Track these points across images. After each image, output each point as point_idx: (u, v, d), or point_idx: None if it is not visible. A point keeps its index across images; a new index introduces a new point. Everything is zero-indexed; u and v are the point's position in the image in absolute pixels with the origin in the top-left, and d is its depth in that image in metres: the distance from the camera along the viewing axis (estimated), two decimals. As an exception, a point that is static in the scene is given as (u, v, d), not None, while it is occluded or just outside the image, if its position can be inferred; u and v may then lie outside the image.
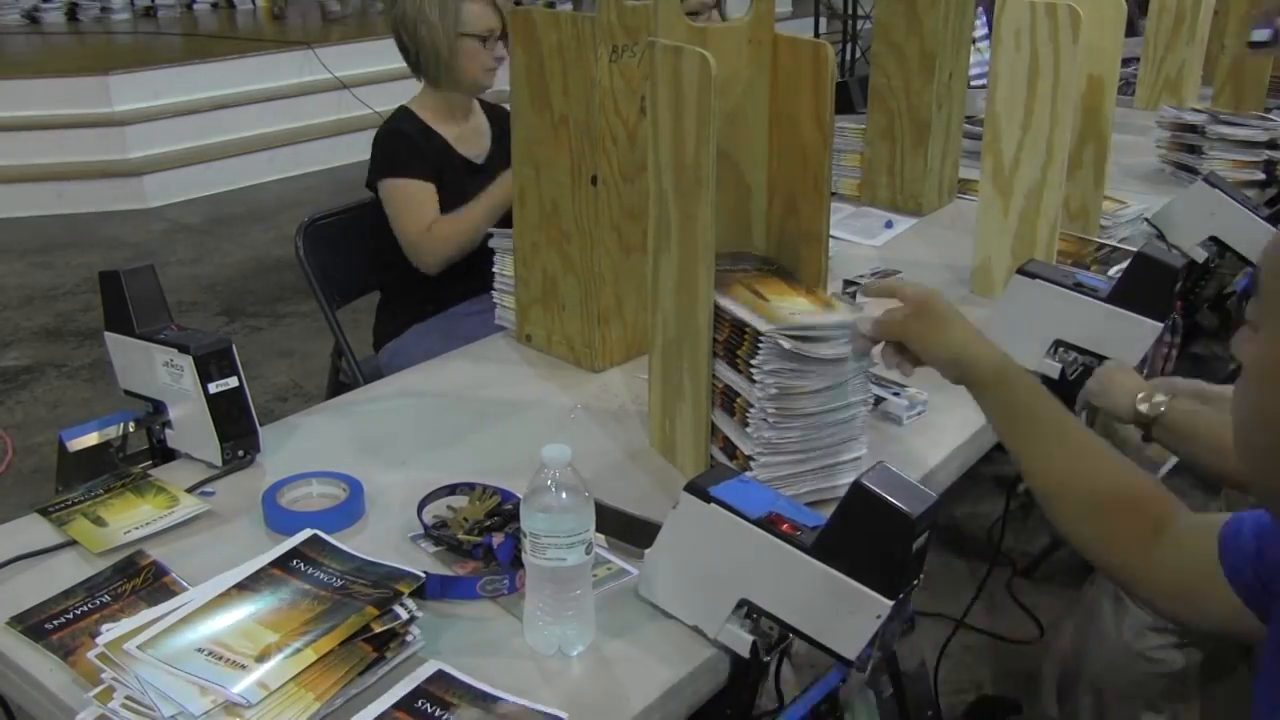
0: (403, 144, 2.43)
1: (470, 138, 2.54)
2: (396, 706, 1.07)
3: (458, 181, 2.43)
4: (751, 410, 1.35)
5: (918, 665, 1.27)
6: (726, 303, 1.38)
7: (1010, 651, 2.40)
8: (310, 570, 1.21)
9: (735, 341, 1.36)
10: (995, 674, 2.37)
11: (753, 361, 1.32)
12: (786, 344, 1.30)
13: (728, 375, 1.40)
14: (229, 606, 1.14)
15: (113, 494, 1.42)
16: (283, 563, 1.22)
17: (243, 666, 1.05)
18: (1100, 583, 1.82)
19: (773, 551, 1.08)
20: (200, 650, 1.07)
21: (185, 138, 6.12)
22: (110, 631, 1.09)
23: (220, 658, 1.06)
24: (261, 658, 1.06)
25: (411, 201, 2.40)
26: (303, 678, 1.06)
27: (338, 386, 2.47)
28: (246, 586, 1.17)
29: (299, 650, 1.07)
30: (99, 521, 1.36)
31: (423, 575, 1.19)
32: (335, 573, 1.20)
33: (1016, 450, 1.24)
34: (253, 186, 6.13)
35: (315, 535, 1.27)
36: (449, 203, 2.41)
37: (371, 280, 2.57)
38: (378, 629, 1.11)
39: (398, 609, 1.14)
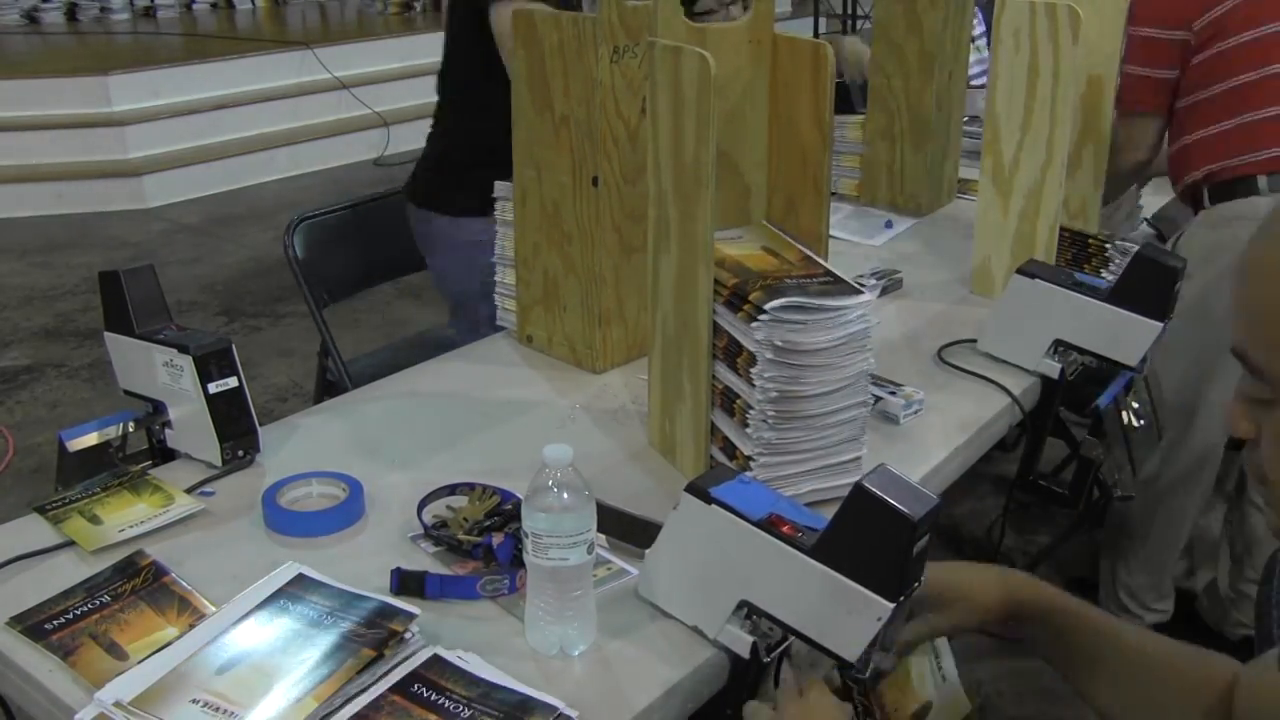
0: None
1: None
2: (393, 690, 1.08)
3: None
4: (751, 412, 1.35)
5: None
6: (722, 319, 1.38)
7: (1011, 651, 2.40)
8: (299, 609, 1.18)
9: (735, 349, 1.36)
10: (995, 674, 2.37)
11: (753, 370, 1.32)
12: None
13: (728, 378, 1.40)
14: (220, 652, 1.11)
15: (110, 492, 1.42)
16: (270, 603, 1.19)
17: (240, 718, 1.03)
18: None
19: (773, 553, 1.08)
20: (195, 701, 1.05)
21: (185, 138, 6.12)
22: (108, 691, 1.06)
23: (217, 709, 1.04)
24: (260, 707, 1.04)
25: None
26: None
27: (326, 386, 2.47)
28: (235, 630, 1.14)
29: (300, 700, 1.05)
30: (94, 520, 1.37)
31: (416, 612, 1.16)
32: (325, 610, 1.17)
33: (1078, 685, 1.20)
34: (252, 186, 6.13)
35: (300, 574, 1.23)
36: None
37: (368, 279, 2.55)
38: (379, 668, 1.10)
39: (397, 652, 1.12)
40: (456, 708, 1.06)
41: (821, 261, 1.44)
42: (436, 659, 1.12)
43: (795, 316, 1.31)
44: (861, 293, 1.35)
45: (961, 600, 1.23)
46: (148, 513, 1.38)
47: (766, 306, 1.30)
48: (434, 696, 1.08)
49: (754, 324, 1.31)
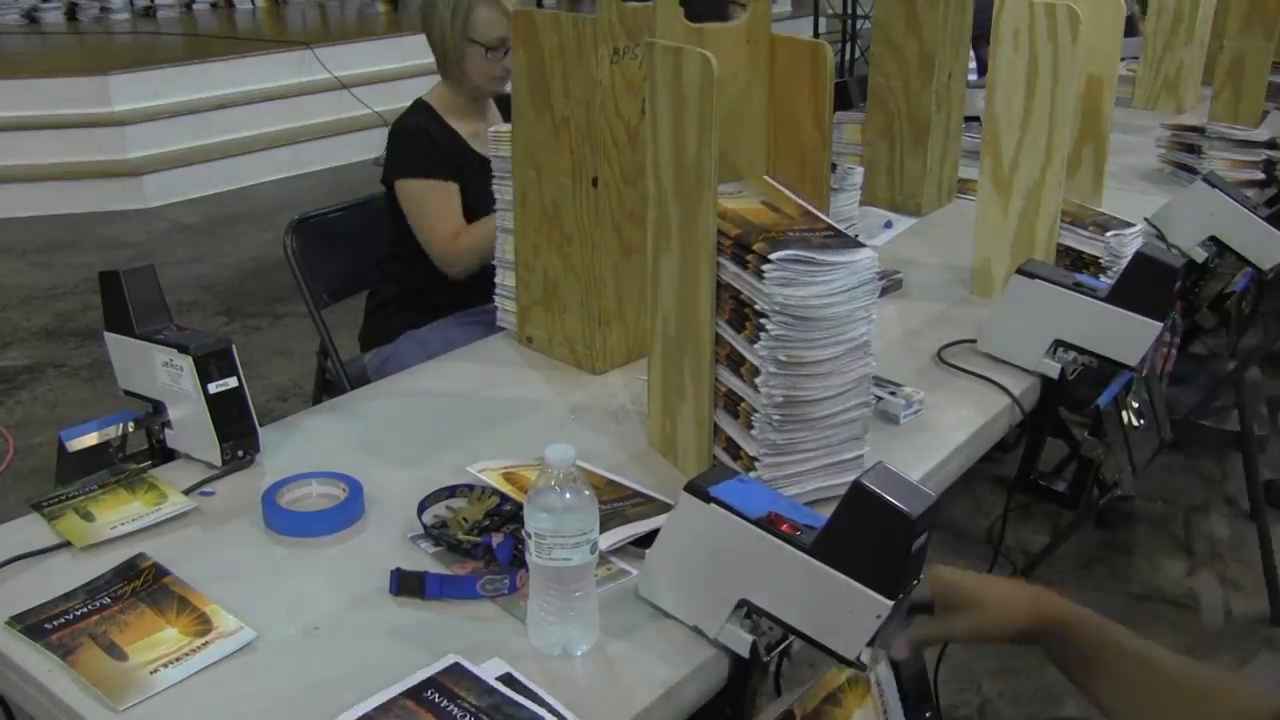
0: (422, 141, 2.38)
1: (486, 135, 2.49)
2: (406, 694, 1.07)
3: (475, 180, 2.38)
4: (756, 415, 1.35)
5: (918, 665, 1.27)
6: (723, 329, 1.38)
7: (1010, 651, 2.40)
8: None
9: (738, 359, 1.36)
10: (995, 674, 2.38)
11: (757, 379, 1.32)
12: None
13: (731, 381, 1.40)
14: None
15: (106, 490, 1.43)
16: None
17: None
18: None
19: (772, 552, 1.08)
20: None
21: (185, 138, 6.13)
22: None
23: None
24: None
25: (436, 208, 2.36)
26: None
27: (324, 386, 2.47)
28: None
29: None
30: (88, 517, 1.37)
31: None
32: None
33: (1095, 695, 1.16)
34: (252, 186, 6.14)
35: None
36: (466, 202, 2.38)
37: (366, 279, 2.55)
38: None
39: None
40: (463, 715, 1.05)
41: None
42: (457, 666, 1.11)
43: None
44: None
45: (981, 610, 1.19)
46: (141, 510, 1.38)
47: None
48: (444, 703, 1.06)
49: (757, 343, 1.31)
